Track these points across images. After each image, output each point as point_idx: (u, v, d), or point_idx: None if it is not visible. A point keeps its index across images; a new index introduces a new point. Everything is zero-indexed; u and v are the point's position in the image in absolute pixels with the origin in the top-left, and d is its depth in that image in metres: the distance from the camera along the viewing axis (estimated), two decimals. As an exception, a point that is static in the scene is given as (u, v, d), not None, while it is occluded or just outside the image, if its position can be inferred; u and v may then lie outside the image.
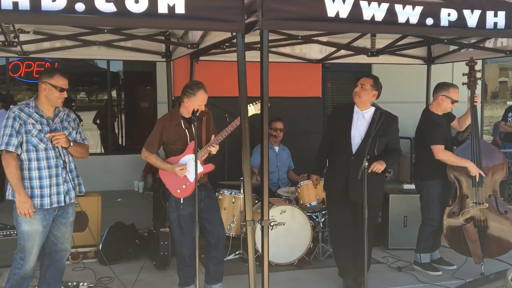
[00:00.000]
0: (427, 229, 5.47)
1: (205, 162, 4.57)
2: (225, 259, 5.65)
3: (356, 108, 4.77)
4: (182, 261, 4.64)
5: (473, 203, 5.20)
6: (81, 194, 4.29)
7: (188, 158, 4.49)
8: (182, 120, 4.57)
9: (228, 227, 5.80)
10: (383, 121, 4.44)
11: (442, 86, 5.38)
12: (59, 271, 4.34)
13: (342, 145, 4.72)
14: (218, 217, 4.70)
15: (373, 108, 4.69)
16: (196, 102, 4.47)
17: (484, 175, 5.14)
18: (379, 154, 4.62)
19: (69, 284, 4.80)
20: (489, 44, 6.11)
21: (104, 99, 11.94)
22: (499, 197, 5.26)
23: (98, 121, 11.66)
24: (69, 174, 4.12)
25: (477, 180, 5.12)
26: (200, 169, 4.44)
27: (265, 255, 3.73)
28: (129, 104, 12.24)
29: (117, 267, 5.32)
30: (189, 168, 4.45)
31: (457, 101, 5.37)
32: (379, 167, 4.58)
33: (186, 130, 4.55)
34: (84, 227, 5.62)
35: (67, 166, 4.11)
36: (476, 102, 5.32)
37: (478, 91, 5.46)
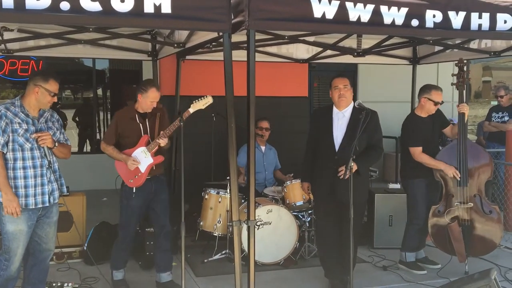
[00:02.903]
0: (413, 228, 5.51)
1: (156, 154, 4.82)
2: (211, 258, 5.71)
3: (335, 109, 4.80)
4: (120, 244, 4.95)
5: (458, 202, 5.24)
6: (63, 194, 4.29)
7: (140, 151, 4.79)
8: (136, 115, 4.84)
9: (215, 226, 5.80)
10: (363, 117, 4.45)
11: (424, 89, 5.43)
12: (43, 271, 4.33)
13: (326, 147, 4.75)
14: (163, 207, 4.94)
15: (351, 105, 4.75)
16: (148, 99, 4.75)
17: (458, 176, 5.17)
18: (361, 151, 4.63)
19: (54, 284, 4.77)
20: (473, 45, 6.16)
21: (89, 97, 11.84)
22: (484, 197, 5.30)
23: (77, 119, 11.57)
24: (54, 174, 4.11)
25: (457, 179, 5.16)
26: (150, 160, 4.77)
27: (251, 255, 3.73)
28: (115, 102, 12.14)
29: (103, 267, 5.27)
30: (141, 159, 4.76)
31: (440, 103, 5.39)
32: (346, 172, 4.49)
33: (141, 125, 4.83)
34: (69, 227, 5.61)
35: (52, 166, 4.10)
36: (464, 111, 5.29)
37: (464, 91, 5.49)
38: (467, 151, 5.23)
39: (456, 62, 5.42)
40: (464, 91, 5.39)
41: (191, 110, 4.66)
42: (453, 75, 5.40)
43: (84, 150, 11.31)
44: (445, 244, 5.32)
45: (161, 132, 4.74)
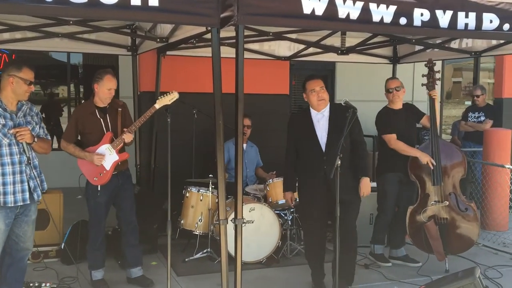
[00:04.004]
0: (380, 221, 5.63)
1: (120, 151, 4.76)
2: (192, 257, 5.63)
3: (313, 112, 4.73)
4: (93, 244, 4.88)
5: (434, 201, 5.29)
6: (43, 191, 4.15)
7: (104, 148, 4.69)
8: (96, 110, 4.76)
9: (196, 225, 5.73)
10: (342, 114, 4.42)
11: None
12: (21, 271, 4.20)
13: (312, 149, 4.66)
14: (129, 204, 4.96)
15: (328, 104, 4.73)
16: (105, 86, 4.68)
17: (433, 163, 5.21)
18: (347, 147, 4.57)
19: (31, 284, 4.61)
20: (454, 44, 6.22)
21: (62, 92, 11.59)
22: (460, 195, 5.36)
23: (43, 115, 11.31)
24: (34, 171, 3.97)
25: (431, 168, 5.21)
26: (116, 157, 4.70)
27: (238, 254, 3.69)
28: (88, 98, 11.89)
29: (81, 266, 5.15)
30: (105, 156, 4.67)
31: (393, 88, 5.50)
32: (366, 190, 4.63)
33: (101, 120, 4.74)
34: (45, 225, 5.47)
35: (31, 162, 3.97)
36: (434, 96, 5.40)
37: (438, 90, 5.59)
38: (440, 150, 5.30)
39: (426, 62, 5.50)
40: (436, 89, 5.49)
41: (157, 106, 4.63)
42: (423, 75, 5.48)
43: (56, 147, 11.03)
44: (422, 243, 5.36)
45: (126, 128, 4.69)
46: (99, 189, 4.70)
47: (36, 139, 3.99)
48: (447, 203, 5.28)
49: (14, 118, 3.92)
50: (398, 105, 5.57)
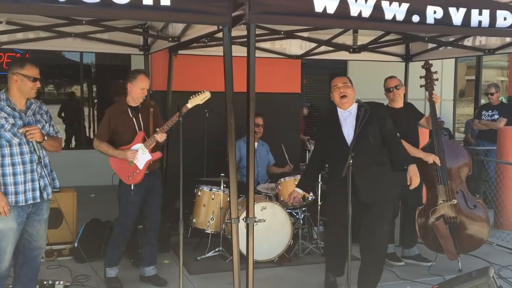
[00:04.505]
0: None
1: (153, 150, 4.80)
2: (204, 256, 5.65)
3: (340, 110, 4.63)
4: (115, 239, 4.93)
5: (442, 201, 5.26)
6: (55, 189, 4.17)
7: (137, 147, 4.74)
8: (128, 109, 4.80)
9: (208, 223, 5.74)
10: (370, 112, 4.34)
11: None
12: (34, 270, 4.21)
13: (339, 148, 4.53)
14: (157, 203, 4.99)
15: (356, 103, 4.67)
16: (137, 86, 4.72)
17: (439, 162, 5.20)
18: (376, 145, 4.49)
19: (45, 282, 4.66)
20: (467, 42, 6.17)
21: (75, 92, 11.68)
22: (467, 192, 5.33)
23: (63, 114, 11.39)
24: (44, 169, 3.99)
25: (438, 164, 5.19)
26: (149, 157, 4.76)
27: (250, 253, 3.69)
28: (101, 98, 12.00)
29: (94, 264, 5.18)
30: (138, 156, 4.72)
31: (393, 87, 5.50)
32: (416, 180, 4.50)
33: (134, 119, 4.78)
34: (58, 224, 5.50)
35: (42, 161, 3.97)
36: (436, 101, 5.41)
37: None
38: (444, 149, 5.27)
39: (423, 64, 5.47)
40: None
41: (189, 105, 4.66)
42: (421, 77, 5.45)
43: (70, 146, 11.14)
44: (432, 242, 5.34)
45: (158, 128, 4.72)
46: (132, 188, 4.74)
47: (46, 138, 3.98)
48: (455, 201, 5.26)
49: (23, 117, 3.92)
50: (399, 104, 5.54)
